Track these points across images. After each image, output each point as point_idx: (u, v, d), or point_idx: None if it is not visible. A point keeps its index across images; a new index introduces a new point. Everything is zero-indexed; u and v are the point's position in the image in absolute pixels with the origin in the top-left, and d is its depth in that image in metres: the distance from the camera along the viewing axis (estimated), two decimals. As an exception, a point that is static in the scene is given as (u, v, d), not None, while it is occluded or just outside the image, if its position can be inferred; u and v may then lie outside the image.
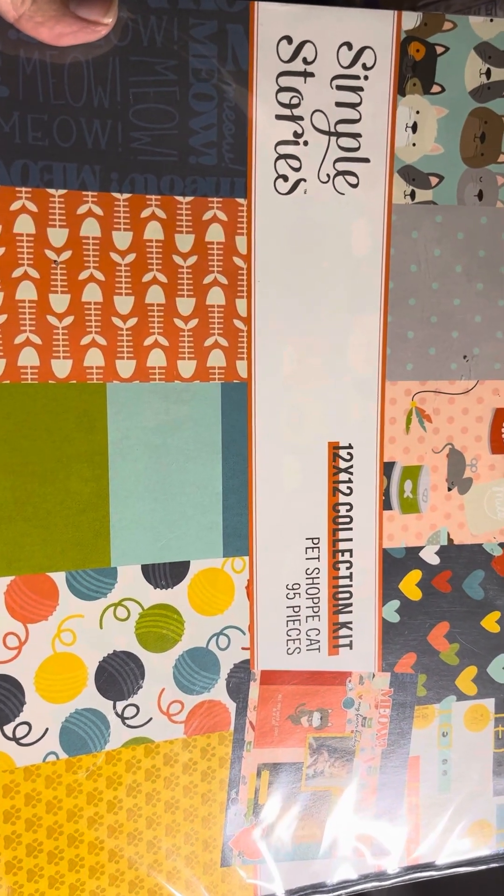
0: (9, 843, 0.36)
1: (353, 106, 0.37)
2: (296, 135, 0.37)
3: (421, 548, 0.41)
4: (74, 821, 0.37)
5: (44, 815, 0.37)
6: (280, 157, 0.37)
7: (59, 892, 0.37)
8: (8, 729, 0.36)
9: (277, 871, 0.40)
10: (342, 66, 0.37)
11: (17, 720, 0.36)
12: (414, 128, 0.38)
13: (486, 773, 0.43)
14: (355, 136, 0.37)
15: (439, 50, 0.38)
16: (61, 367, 0.36)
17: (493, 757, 0.43)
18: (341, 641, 0.40)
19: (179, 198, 0.36)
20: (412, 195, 0.39)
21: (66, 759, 0.37)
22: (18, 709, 0.36)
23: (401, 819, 0.42)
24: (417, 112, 0.38)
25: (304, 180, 0.37)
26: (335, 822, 0.41)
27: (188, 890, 0.39)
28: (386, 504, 0.41)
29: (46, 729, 0.36)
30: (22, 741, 0.36)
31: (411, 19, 0.37)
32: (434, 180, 0.39)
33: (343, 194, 0.38)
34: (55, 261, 0.35)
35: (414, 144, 0.38)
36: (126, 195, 0.36)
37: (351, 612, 0.40)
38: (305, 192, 0.37)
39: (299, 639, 0.40)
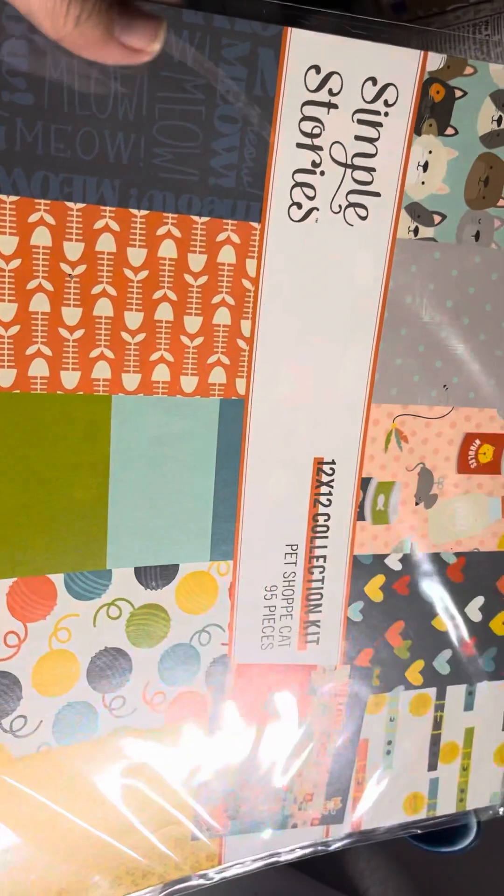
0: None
1: (371, 140, 0.38)
2: (314, 164, 0.37)
3: (387, 555, 0.45)
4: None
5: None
6: (296, 184, 0.38)
7: None
8: (6, 722, 0.38)
9: (239, 843, 0.45)
10: (365, 101, 0.37)
11: (15, 714, 0.38)
12: (425, 167, 0.39)
13: (423, 752, 0.49)
14: (370, 170, 0.38)
15: (458, 94, 0.39)
16: (70, 379, 0.36)
17: (430, 738, 0.49)
18: (310, 638, 0.44)
19: (196, 217, 0.36)
20: (416, 231, 0.40)
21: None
22: (16, 703, 0.38)
23: (347, 792, 0.47)
24: (430, 152, 0.39)
25: (317, 209, 0.38)
26: (289, 796, 0.46)
27: (162, 865, 0.43)
28: (360, 515, 0.44)
29: (41, 721, 0.39)
30: (18, 733, 0.38)
31: (436, 60, 0.38)
32: (437, 218, 0.41)
33: (352, 226, 0.39)
34: (70, 274, 0.35)
35: (423, 183, 0.40)
36: (144, 212, 0.36)
37: (320, 611, 0.44)
38: (317, 221, 0.38)
39: (272, 635, 0.43)
